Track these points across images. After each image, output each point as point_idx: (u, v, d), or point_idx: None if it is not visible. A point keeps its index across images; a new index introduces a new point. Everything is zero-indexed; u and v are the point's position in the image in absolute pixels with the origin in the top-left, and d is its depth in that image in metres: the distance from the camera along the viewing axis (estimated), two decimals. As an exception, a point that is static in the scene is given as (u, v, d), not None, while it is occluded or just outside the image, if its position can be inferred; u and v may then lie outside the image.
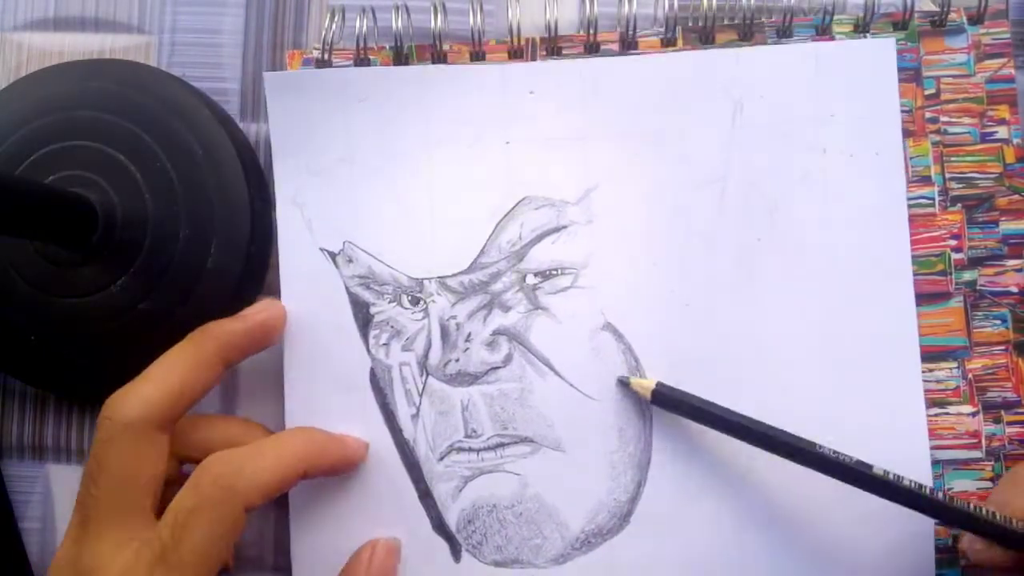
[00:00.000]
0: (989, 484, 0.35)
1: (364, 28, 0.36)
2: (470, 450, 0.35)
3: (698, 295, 0.35)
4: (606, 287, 0.35)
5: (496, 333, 0.35)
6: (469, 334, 0.35)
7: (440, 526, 0.35)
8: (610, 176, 0.35)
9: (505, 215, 0.35)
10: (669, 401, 0.33)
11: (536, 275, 0.35)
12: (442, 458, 0.35)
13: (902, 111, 0.36)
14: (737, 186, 0.35)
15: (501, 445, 0.35)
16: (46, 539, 0.37)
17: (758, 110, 0.35)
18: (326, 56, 0.36)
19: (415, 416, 0.35)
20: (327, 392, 0.35)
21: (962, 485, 0.35)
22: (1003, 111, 0.36)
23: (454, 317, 0.35)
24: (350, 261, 0.35)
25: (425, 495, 0.35)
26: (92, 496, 0.29)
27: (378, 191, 0.36)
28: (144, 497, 0.29)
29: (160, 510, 0.29)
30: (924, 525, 0.34)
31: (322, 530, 0.35)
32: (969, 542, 0.31)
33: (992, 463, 0.35)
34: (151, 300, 0.35)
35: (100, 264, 0.35)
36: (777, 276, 0.35)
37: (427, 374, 0.35)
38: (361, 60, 0.36)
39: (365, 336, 0.35)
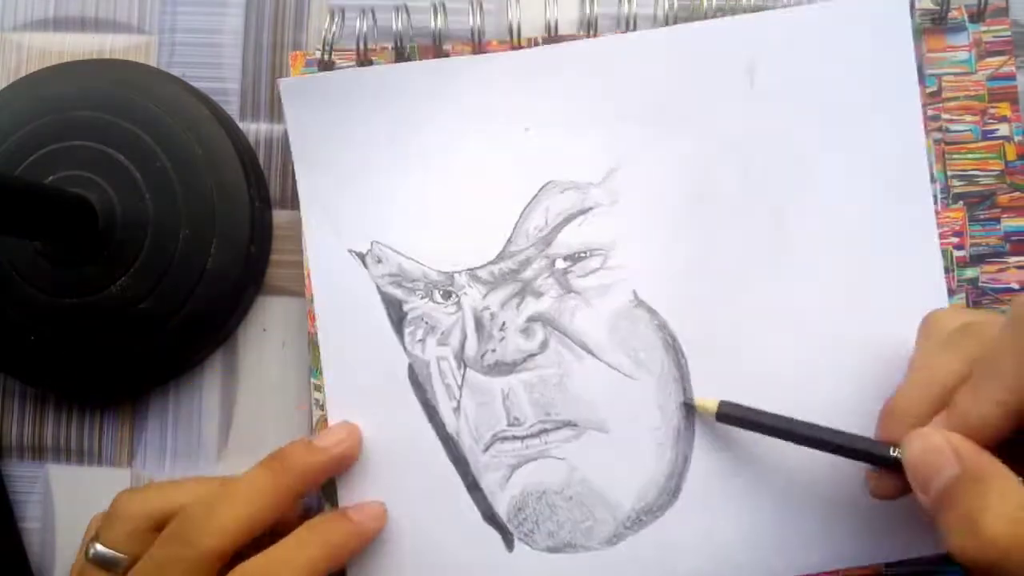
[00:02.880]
0: None
1: (364, 28, 0.36)
2: (514, 438, 0.35)
3: (728, 265, 0.35)
4: (636, 265, 0.35)
5: (530, 320, 0.35)
6: (503, 323, 0.35)
7: (491, 517, 0.35)
8: (631, 155, 0.35)
9: (530, 201, 0.35)
10: (734, 419, 0.33)
11: (565, 259, 0.35)
12: (487, 449, 0.35)
13: None
14: (759, 153, 0.35)
15: (544, 431, 0.35)
16: (46, 539, 0.37)
17: (774, 75, 0.35)
18: (327, 57, 0.36)
19: (456, 409, 0.35)
20: (367, 393, 0.35)
21: None
22: (1004, 108, 0.36)
23: (487, 308, 0.35)
24: (379, 261, 0.35)
25: (473, 487, 0.35)
26: None
27: (401, 189, 0.36)
28: None
29: None
30: None
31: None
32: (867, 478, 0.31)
33: None
34: (151, 300, 0.35)
35: (100, 264, 0.35)
36: (805, 239, 0.35)
37: (465, 367, 0.35)
38: (363, 61, 0.36)
39: (400, 334, 0.35)
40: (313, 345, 0.35)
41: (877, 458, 0.30)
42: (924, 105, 0.36)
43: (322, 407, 0.35)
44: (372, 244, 0.35)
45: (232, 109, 0.38)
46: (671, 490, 0.34)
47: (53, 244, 0.35)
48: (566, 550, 0.34)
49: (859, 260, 0.35)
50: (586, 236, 0.35)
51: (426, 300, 0.35)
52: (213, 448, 0.37)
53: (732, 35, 0.35)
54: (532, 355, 0.35)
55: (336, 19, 0.36)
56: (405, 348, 0.35)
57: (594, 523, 0.34)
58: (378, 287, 0.35)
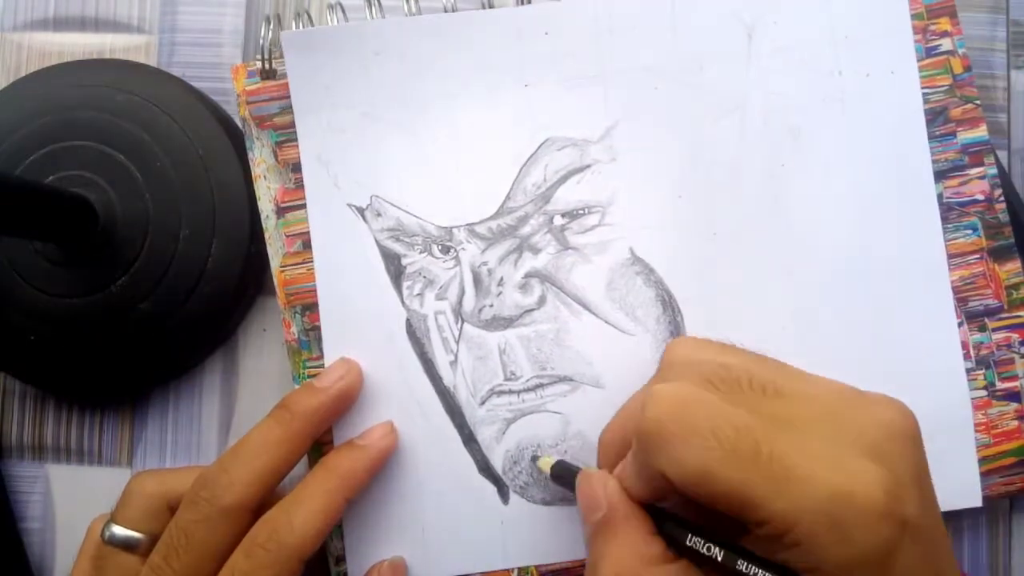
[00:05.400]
0: (983, 393, 0.35)
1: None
2: (510, 392, 0.35)
3: (725, 224, 0.35)
4: (633, 223, 0.35)
5: (528, 276, 0.35)
6: (501, 278, 0.35)
7: (486, 469, 0.35)
8: (630, 112, 0.36)
9: (529, 158, 0.35)
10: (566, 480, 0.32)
11: (563, 216, 0.35)
12: (483, 402, 0.35)
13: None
14: (757, 113, 0.35)
15: (541, 386, 0.35)
16: (46, 539, 0.37)
17: (772, 35, 0.35)
18: (268, 66, 0.36)
19: (453, 363, 0.35)
20: (365, 346, 0.35)
21: None
22: (944, 23, 0.36)
23: (485, 263, 0.35)
24: (378, 215, 0.35)
25: (469, 440, 0.35)
26: (172, 568, 0.30)
27: (401, 144, 0.36)
28: (217, 569, 0.30)
29: None
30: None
31: (371, 484, 0.35)
32: None
33: (983, 371, 0.35)
34: (151, 300, 0.35)
35: (100, 264, 0.35)
36: (803, 200, 0.35)
37: (462, 321, 0.35)
38: None
39: (399, 288, 0.35)
40: (293, 352, 0.35)
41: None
42: None
43: None
44: (372, 198, 0.35)
45: (232, 109, 0.38)
46: None
47: (53, 244, 0.35)
48: (561, 503, 0.35)
49: (856, 218, 0.35)
50: (584, 193, 0.35)
51: (424, 255, 0.35)
52: (213, 448, 0.37)
53: None
54: (529, 310, 0.35)
55: (272, 25, 0.35)
56: (403, 302, 0.35)
57: None
58: (377, 241, 0.35)
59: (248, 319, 0.38)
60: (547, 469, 0.33)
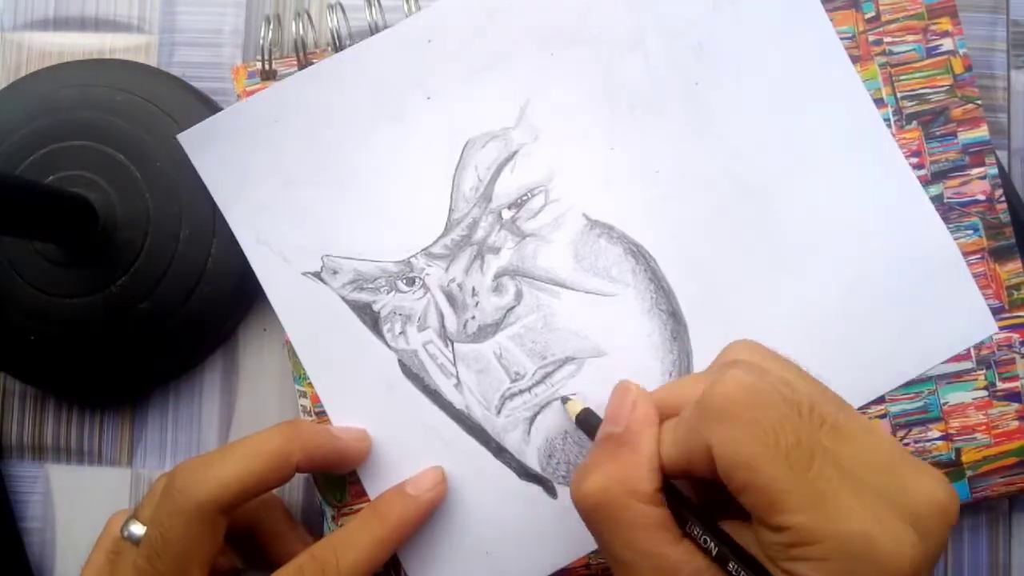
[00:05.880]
0: (984, 393, 0.35)
1: (301, 32, 0.35)
2: (521, 392, 0.35)
3: (664, 157, 0.35)
4: (577, 189, 0.35)
5: (497, 277, 0.35)
6: (473, 289, 0.35)
7: (525, 473, 0.35)
8: (535, 87, 0.35)
9: (457, 166, 0.35)
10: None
11: (509, 208, 0.35)
12: (499, 411, 0.35)
13: (845, 39, 0.35)
14: (658, 41, 0.35)
15: (548, 375, 0.35)
16: (46, 539, 0.37)
17: None
18: (268, 67, 0.36)
19: (457, 385, 0.35)
20: (365, 400, 0.35)
21: (957, 398, 0.35)
22: (945, 23, 0.36)
23: (453, 279, 0.35)
24: (335, 272, 0.35)
25: (499, 451, 0.35)
26: (157, 570, 0.29)
27: (331, 197, 0.35)
28: (200, 573, 0.30)
29: None
30: None
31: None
32: None
33: (984, 371, 0.35)
34: (151, 300, 0.35)
35: (100, 264, 0.35)
36: (727, 111, 0.35)
37: (451, 343, 0.35)
38: (304, 65, 0.36)
39: (379, 334, 0.35)
40: (293, 352, 0.35)
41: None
42: (865, 31, 0.36)
43: (309, 413, 0.35)
44: (323, 259, 0.35)
45: (232, 109, 0.38)
46: None
47: (53, 244, 0.35)
48: None
49: (786, 112, 0.35)
50: (521, 179, 0.35)
51: (392, 293, 0.35)
52: (213, 448, 0.37)
53: None
54: (510, 308, 0.35)
55: (272, 25, 0.36)
56: (388, 345, 0.35)
57: None
58: (343, 297, 0.35)
59: (248, 319, 0.37)
60: (574, 413, 0.33)
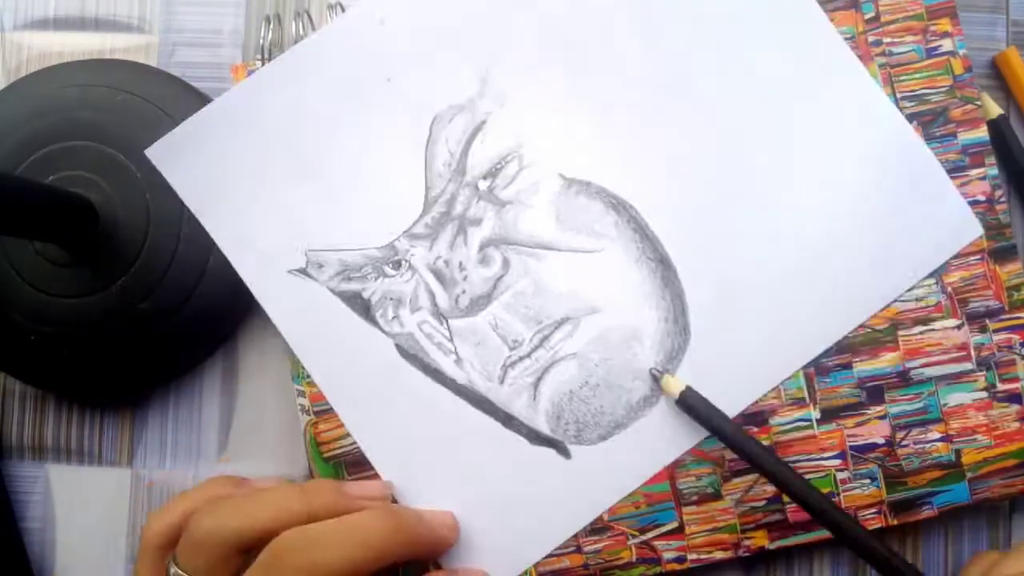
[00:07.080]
0: (984, 395, 0.35)
1: (300, 32, 0.35)
2: (521, 359, 0.35)
3: (631, 106, 0.35)
4: (550, 150, 0.35)
5: (482, 248, 0.35)
6: (460, 263, 0.35)
7: (537, 437, 0.35)
8: (495, 52, 0.35)
9: (427, 143, 0.35)
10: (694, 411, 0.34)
11: (485, 178, 0.35)
12: (503, 381, 0.35)
13: (845, 39, 0.35)
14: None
15: (545, 338, 0.35)
16: (46, 539, 0.37)
17: None
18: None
19: (458, 360, 0.35)
20: (367, 389, 0.35)
21: (957, 399, 0.35)
22: (944, 24, 0.36)
23: (439, 257, 0.35)
24: (320, 266, 0.35)
25: (508, 420, 0.35)
26: None
27: (304, 191, 0.35)
28: None
29: None
30: None
31: (428, 498, 0.35)
32: None
33: (984, 372, 0.35)
34: (151, 300, 0.35)
35: (100, 264, 0.35)
36: (689, 48, 0.35)
37: (446, 320, 0.35)
38: None
39: (373, 321, 0.35)
40: (290, 351, 0.35)
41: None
42: (865, 31, 0.36)
43: (307, 412, 0.35)
44: (306, 254, 0.35)
45: (232, 109, 0.38)
46: (681, 330, 0.35)
47: (53, 244, 0.35)
48: (618, 430, 0.35)
49: (738, 41, 0.35)
50: (493, 148, 0.35)
51: (380, 279, 0.35)
52: (213, 448, 0.37)
53: None
54: (500, 278, 0.35)
55: (272, 25, 0.36)
56: (384, 331, 0.35)
57: (629, 393, 0.35)
58: (331, 290, 0.35)
59: (248, 319, 0.37)
60: (676, 392, 0.33)
